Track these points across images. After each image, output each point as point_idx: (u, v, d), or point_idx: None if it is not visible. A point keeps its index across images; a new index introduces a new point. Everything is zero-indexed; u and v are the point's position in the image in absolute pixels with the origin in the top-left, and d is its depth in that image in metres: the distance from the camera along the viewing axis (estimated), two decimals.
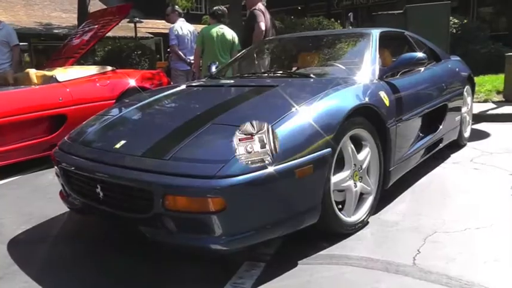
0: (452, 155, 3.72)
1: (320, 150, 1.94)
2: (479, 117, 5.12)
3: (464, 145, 4.00)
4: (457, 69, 3.74)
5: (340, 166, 2.20)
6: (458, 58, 4.20)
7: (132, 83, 4.79)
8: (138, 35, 18.00)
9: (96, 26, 5.28)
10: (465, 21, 9.79)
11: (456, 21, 9.42)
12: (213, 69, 3.63)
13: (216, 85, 2.98)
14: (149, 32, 20.22)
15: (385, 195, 2.71)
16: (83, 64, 10.50)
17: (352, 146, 2.23)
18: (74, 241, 2.45)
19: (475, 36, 9.43)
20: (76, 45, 5.26)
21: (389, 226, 2.39)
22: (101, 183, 2.05)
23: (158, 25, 20.86)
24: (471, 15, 13.33)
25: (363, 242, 2.21)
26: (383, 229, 2.36)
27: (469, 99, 4.00)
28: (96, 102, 4.30)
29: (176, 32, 5.59)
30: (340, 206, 2.24)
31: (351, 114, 2.16)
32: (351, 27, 10.53)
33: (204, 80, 3.62)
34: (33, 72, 4.39)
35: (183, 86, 3.00)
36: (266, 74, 2.99)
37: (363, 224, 2.35)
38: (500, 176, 3.14)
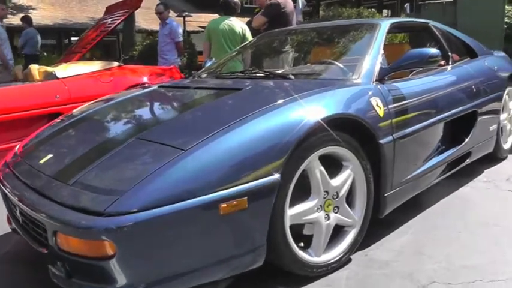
0: (486, 171, 3.06)
1: (261, 178, 1.49)
2: None
3: (504, 158, 3.30)
4: (495, 67, 3.06)
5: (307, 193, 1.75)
6: (502, 54, 3.50)
7: (139, 79, 4.54)
8: (189, 29, 17.90)
9: (108, 21, 5.06)
10: None
11: None
12: (207, 65, 3.26)
13: (182, 87, 2.57)
14: (200, 26, 20.09)
15: (385, 224, 2.21)
16: (119, 59, 10.49)
17: (322, 168, 1.75)
18: (20, 263, 2.11)
19: None
20: (85, 40, 5.09)
21: (375, 268, 1.88)
22: (18, 205, 1.75)
23: (211, 19, 20.75)
24: None
25: None
26: (365, 272, 1.86)
27: (511, 104, 3.29)
28: None
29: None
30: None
31: (318, 129, 1.69)
32: None
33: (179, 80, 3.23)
34: (35, 68, 4.24)
35: (154, 87, 2.63)
36: (244, 74, 2.55)
37: (340, 263, 1.87)
38: None
